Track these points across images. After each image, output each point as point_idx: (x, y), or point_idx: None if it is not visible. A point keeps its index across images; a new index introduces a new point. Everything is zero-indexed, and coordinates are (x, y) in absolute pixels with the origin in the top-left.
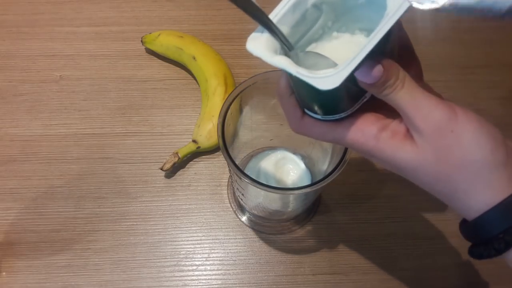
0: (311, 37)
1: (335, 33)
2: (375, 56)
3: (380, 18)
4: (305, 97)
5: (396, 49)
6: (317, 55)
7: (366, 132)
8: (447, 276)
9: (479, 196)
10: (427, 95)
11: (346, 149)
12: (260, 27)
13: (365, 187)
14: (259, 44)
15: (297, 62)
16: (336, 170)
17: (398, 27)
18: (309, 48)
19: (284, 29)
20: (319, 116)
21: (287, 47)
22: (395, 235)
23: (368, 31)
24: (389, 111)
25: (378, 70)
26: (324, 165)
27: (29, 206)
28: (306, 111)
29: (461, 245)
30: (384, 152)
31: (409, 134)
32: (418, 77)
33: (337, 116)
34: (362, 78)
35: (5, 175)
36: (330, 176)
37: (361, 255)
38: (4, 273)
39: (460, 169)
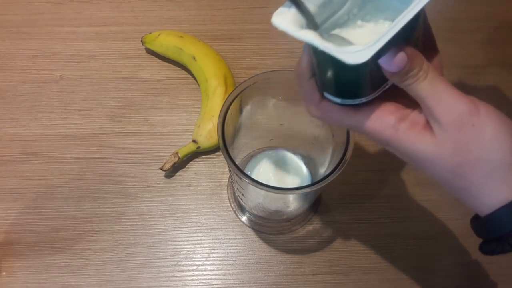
0: (336, 22)
1: (359, 22)
2: (401, 44)
3: (406, 9)
4: (327, 76)
5: (421, 39)
6: (342, 39)
7: (385, 121)
8: (448, 276)
9: (494, 192)
10: (450, 88)
11: (346, 149)
12: (287, 3)
13: (365, 187)
14: (285, 19)
15: None
16: (336, 170)
17: (423, 16)
18: (333, 33)
19: (311, 7)
20: (338, 100)
21: (312, 25)
22: (395, 235)
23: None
24: (410, 101)
25: (402, 59)
26: (324, 165)
27: (29, 206)
28: (326, 94)
29: (462, 245)
30: (402, 142)
31: (428, 125)
32: (438, 70)
33: (357, 101)
34: (386, 65)
35: (5, 175)
36: (330, 176)
37: (361, 255)
38: (4, 273)
39: (477, 164)
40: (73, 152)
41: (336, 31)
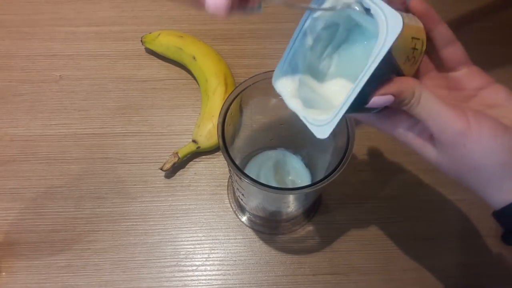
0: (338, 40)
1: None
2: (385, 78)
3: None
4: None
5: (421, 52)
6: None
7: (398, 128)
8: (448, 277)
9: (493, 197)
10: (444, 108)
11: (346, 149)
12: (282, 61)
13: (365, 187)
14: (284, 81)
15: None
16: (336, 170)
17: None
18: (343, 48)
19: (302, 56)
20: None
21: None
22: (396, 235)
23: None
24: None
25: (387, 99)
26: (324, 165)
27: (29, 206)
28: None
29: (462, 245)
30: (411, 147)
31: (432, 136)
32: (461, 62)
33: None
34: (376, 106)
35: (5, 175)
36: (330, 176)
37: (362, 256)
38: (4, 273)
39: (472, 175)
40: (73, 152)
41: (344, 47)
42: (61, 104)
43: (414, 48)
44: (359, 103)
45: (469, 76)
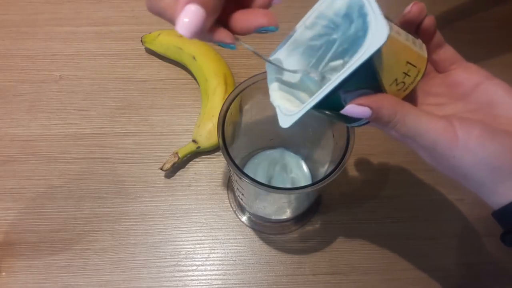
0: (332, 56)
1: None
2: (365, 91)
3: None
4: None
5: (395, 70)
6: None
7: (391, 132)
8: (447, 276)
9: (490, 200)
10: (430, 125)
11: (346, 149)
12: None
13: (365, 187)
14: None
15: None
16: (336, 170)
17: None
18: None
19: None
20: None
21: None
22: (395, 235)
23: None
24: None
25: (364, 111)
26: (325, 165)
27: (29, 206)
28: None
29: (462, 245)
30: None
31: None
32: (453, 61)
33: (356, 124)
34: (351, 113)
35: (5, 175)
36: (330, 176)
37: (361, 255)
38: (4, 273)
39: (465, 181)
40: (73, 152)
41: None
42: (61, 104)
43: (407, 74)
44: (333, 107)
45: (466, 72)
